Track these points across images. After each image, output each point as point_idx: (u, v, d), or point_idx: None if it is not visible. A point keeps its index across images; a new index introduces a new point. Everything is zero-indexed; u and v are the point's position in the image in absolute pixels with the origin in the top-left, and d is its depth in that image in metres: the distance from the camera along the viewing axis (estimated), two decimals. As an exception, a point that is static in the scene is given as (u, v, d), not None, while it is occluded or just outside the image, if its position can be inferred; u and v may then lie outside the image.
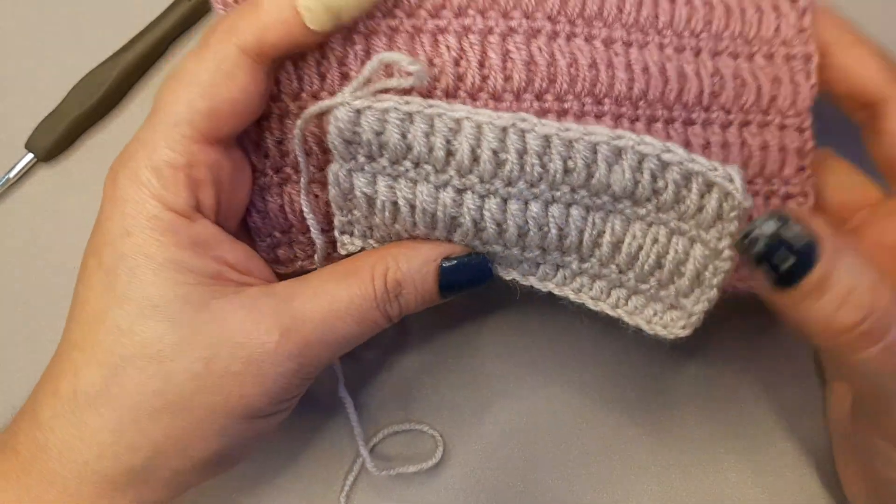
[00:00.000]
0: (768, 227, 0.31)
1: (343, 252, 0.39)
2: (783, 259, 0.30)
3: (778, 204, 0.41)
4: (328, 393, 0.45)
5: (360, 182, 0.35)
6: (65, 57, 0.51)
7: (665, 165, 0.34)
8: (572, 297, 0.38)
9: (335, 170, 0.35)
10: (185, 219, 0.34)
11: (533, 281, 0.38)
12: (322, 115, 0.36)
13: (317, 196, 0.39)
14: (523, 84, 0.36)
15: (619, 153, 0.34)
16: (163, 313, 0.33)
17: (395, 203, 0.36)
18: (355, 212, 0.37)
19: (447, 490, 0.45)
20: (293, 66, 0.37)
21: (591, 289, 0.38)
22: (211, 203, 0.35)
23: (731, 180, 0.33)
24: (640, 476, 0.45)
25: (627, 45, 0.38)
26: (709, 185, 0.34)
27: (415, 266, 0.35)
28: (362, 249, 0.38)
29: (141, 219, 0.33)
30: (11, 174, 0.49)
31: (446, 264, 0.36)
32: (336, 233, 0.38)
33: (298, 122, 0.35)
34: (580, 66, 0.37)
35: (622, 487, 0.45)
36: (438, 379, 0.47)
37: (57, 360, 0.35)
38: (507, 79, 0.36)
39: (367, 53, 0.36)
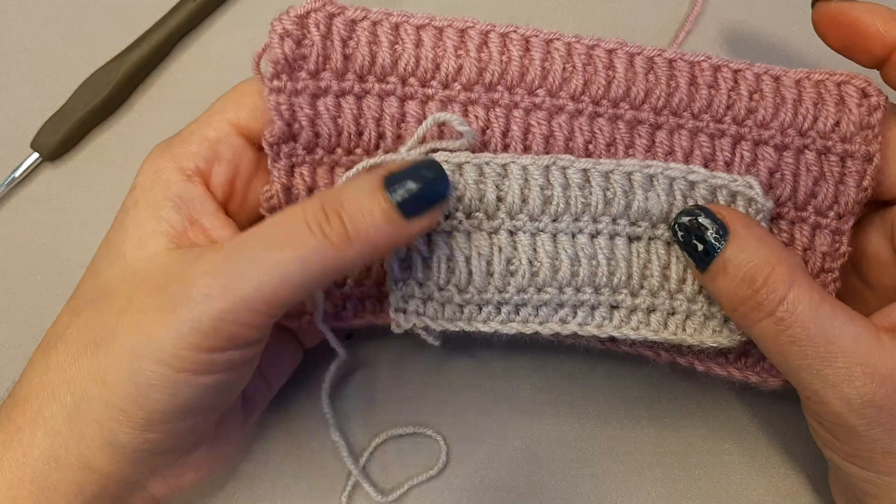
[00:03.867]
0: (683, 219, 0.36)
1: (397, 331, 0.39)
2: (695, 246, 0.36)
3: None
4: (330, 395, 0.45)
5: (417, 242, 0.37)
6: (70, 56, 0.51)
7: (692, 185, 0.38)
8: (633, 335, 0.39)
9: None
10: (184, 176, 0.36)
11: (591, 329, 0.39)
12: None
13: None
14: (540, 154, 0.38)
15: (651, 180, 0.38)
16: (124, 258, 0.35)
17: (449, 259, 0.37)
18: (410, 282, 0.38)
19: (450, 490, 0.45)
20: (332, 122, 0.38)
21: (648, 324, 0.39)
22: (222, 180, 0.37)
23: (752, 187, 0.37)
24: (643, 476, 0.45)
25: (655, 127, 0.39)
26: (733, 195, 0.38)
27: (356, 184, 0.33)
28: (413, 326, 0.39)
29: (148, 173, 0.36)
30: (17, 173, 0.49)
31: (390, 177, 0.33)
32: (391, 312, 0.39)
33: (348, 172, 0.37)
34: (598, 144, 0.39)
35: (626, 487, 0.45)
36: (441, 381, 0.47)
37: None
38: (527, 149, 0.39)
39: (403, 117, 0.38)
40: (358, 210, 0.32)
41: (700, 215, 0.36)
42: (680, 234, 0.37)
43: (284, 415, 0.45)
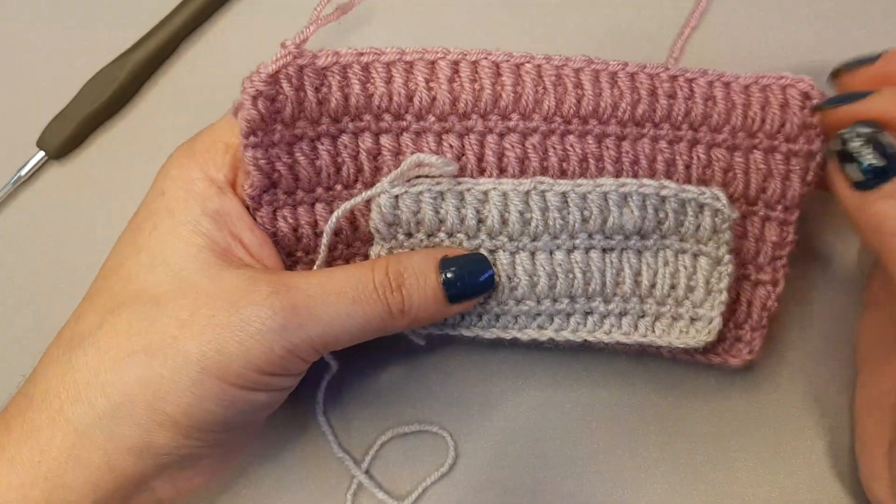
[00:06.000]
0: (864, 129, 0.35)
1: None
2: (875, 159, 0.35)
3: (748, 289, 0.43)
4: (334, 393, 0.45)
5: None
6: (76, 54, 0.51)
7: (663, 199, 0.40)
8: (605, 339, 0.41)
9: (377, 251, 0.40)
10: (217, 189, 0.37)
11: (566, 334, 0.41)
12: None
13: None
14: (517, 177, 0.41)
15: (625, 197, 0.40)
16: (169, 266, 0.35)
17: None
18: None
19: (456, 488, 0.45)
20: (311, 165, 0.39)
21: (619, 327, 0.42)
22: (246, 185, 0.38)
23: (718, 199, 0.40)
24: (649, 473, 0.45)
25: (620, 139, 0.41)
26: (700, 206, 0.40)
27: (416, 260, 0.37)
28: None
29: (179, 182, 0.37)
30: (23, 172, 0.49)
31: (445, 261, 0.38)
32: None
33: (337, 212, 0.39)
34: (571, 161, 0.41)
35: (631, 484, 0.45)
36: (446, 377, 0.47)
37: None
38: (502, 171, 0.41)
39: (379, 150, 0.40)
40: (416, 287, 0.37)
41: (882, 131, 0.35)
42: (857, 142, 0.35)
43: (288, 412, 0.45)
